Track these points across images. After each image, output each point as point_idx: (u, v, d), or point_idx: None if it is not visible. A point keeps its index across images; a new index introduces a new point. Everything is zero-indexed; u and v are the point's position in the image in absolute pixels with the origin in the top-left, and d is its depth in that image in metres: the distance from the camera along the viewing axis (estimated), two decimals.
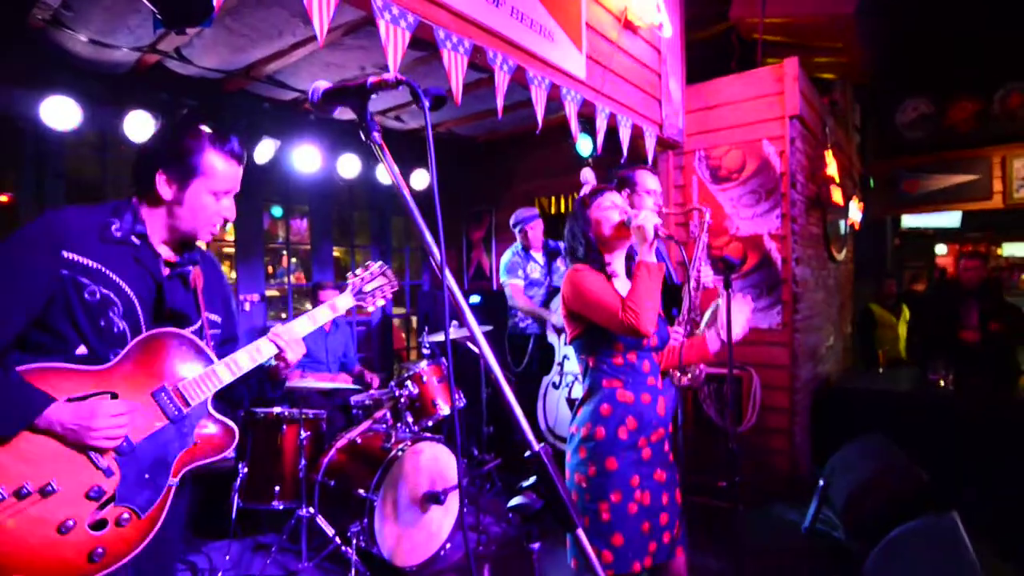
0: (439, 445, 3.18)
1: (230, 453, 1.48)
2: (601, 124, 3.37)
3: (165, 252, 1.44)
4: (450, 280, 0.90)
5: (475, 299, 5.08)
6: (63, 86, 3.05)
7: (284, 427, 3.14)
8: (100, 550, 1.24)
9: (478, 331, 0.91)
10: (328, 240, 5.27)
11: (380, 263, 1.77)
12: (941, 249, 9.58)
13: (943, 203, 7.12)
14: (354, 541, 2.85)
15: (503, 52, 2.69)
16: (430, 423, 3.43)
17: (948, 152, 6.90)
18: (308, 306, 5.21)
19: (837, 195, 4.84)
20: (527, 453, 0.87)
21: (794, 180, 4.08)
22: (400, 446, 3.00)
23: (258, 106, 3.93)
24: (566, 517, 0.86)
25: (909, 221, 8.65)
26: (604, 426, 1.81)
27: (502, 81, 2.69)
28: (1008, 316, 4.33)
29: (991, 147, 6.67)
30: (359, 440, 3.18)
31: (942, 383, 3.93)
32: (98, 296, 1.30)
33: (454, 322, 3.59)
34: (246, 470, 3.09)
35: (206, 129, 1.41)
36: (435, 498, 3.05)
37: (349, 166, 4.42)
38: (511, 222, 4.20)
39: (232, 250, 4.65)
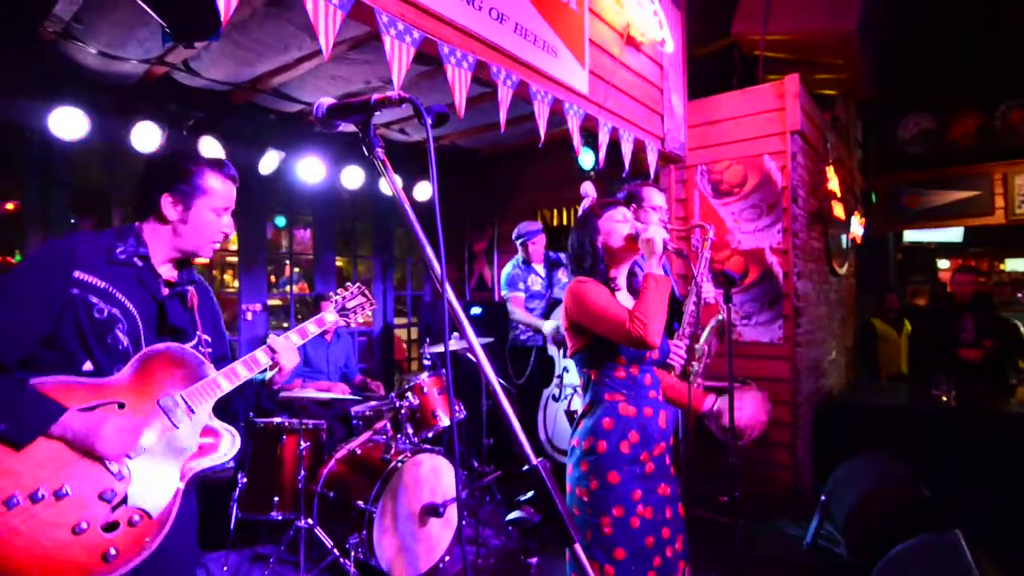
0: (439, 457, 3.18)
1: (231, 460, 1.54)
2: (603, 138, 3.39)
3: (165, 272, 1.54)
4: (449, 293, 0.91)
5: (476, 311, 5.09)
6: (71, 97, 3.09)
7: (284, 437, 3.14)
8: (113, 551, 1.29)
9: (476, 343, 0.92)
10: (331, 250, 5.29)
11: (359, 284, 1.91)
12: (943, 264, 9.57)
13: (945, 219, 7.13)
14: (353, 553, 2.84)
15: (506, 67, 2.72)
16: (430, 435, 3.43)
17: (950, 168, 6.92)
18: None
19: (839, 210, 4.85)
20: (525, 467, 0.88)
21: (795, 195, 4.10)
22: (400, 457, 2.99)
23: (264, 118, 3.97)
24: (563, 531, 0.86)
25: (911, 236, 8.65)
26: (606, 440, 1.80)
27: (505, 96, 2.71)
28: (1001, 330, 4.36)
29: (992, 163, 6.69)
30: (359, 451, 3.18)
31: (944, 398, 3.92)
32: (106, 314, 1.38)
33: (455, 334, 3.59)
34: (245, 480, 3.08)
35: (203, 155, 1.57)
36: (434, 510, 3.04)
37: (353, 178, 4.46)
38: (514, 235, 4.22)
39: (235, 259, 4.67)
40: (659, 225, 2.64)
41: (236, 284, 4.62)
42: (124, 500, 1.33)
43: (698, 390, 2.13)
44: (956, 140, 6.88)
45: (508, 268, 4.22)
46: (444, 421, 3.41)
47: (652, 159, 3.92)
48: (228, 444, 1.53)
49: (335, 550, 2.95)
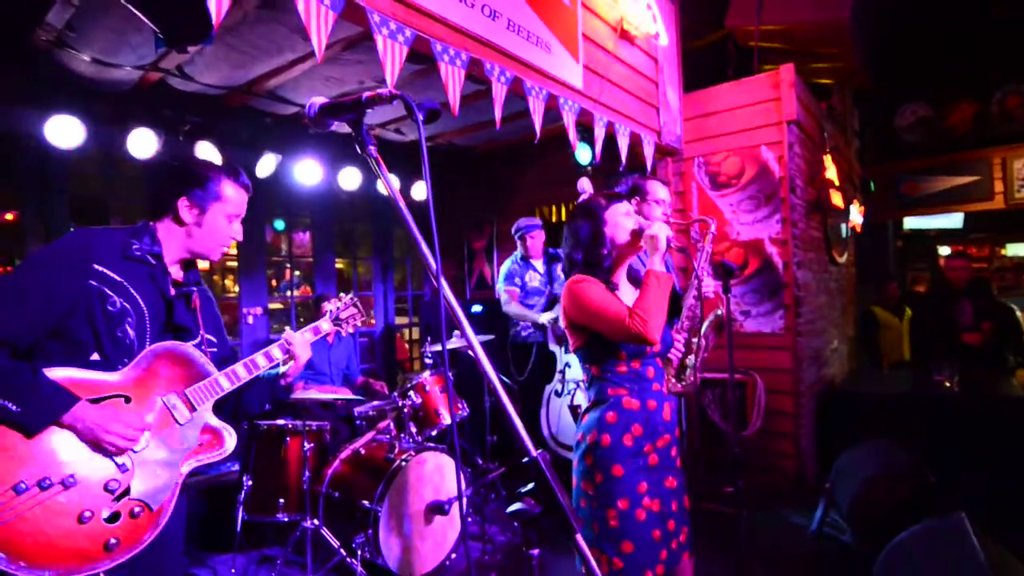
0: (443, 455, 3.18)
1: (231, 459, 1.64)
2: (599, 133, 3.39)
3: (174, 272, 1.60)
4: (446, 289, 0.92)
5: (477, 308, 5.09)
6: (66, 105, 3.09)
7: (288, 439, 3.14)
8: (114, 540, 1.33)
9: (473, 337, 0.92)
10: (331, 252, 5.29)
11: (351, 295, 2.02)
12: (944, 251, 9.55)
13: (944, 205, 7.13)
14: (359, 552, 2.85)
15: (500, 64, 2.72)
16: (433, 433, 3.43)
17: (948, 154, 6.92)
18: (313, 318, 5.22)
19: (837, 199, 4.85)
20: (525, 459, 0.88)
21: (793, 185, 4.09)
22: (404, 456, 3.00)
23: (260, 121, 3.97)
24: (565, 522, 0.86)
25: (911, 223, 8.64)
26: (609, 433, 1.80)
27: (500, 92, 2.71)
28: (999, 314, 4.37)
29: (991, 148, 6.68)
30: (363, 451, 3.18)
31: (947, 384, 3.92)
32: (118, 307, 1.43)
33: (455, 332, 3.60)
34: (250, 483, 3.09)
35: (219, 164, 1.66)
36: (439, 508, 3.05)
37: (350, 179, 4.46)
38: (513, 229, 4.23)
39: (235, 264, 4.68)
40: (663, 221, 2.65)
41: (236, 289, 4.62)
42: (127, 491, 1.38)
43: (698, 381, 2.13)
44: (953, 127, 6.87)
45: (507, 264, 4.23)
46: (447, 419, 3.41)
47: (649, 153, 3.92)
48: (226, 442, 1.59)
49: (342, 550, 2.96)
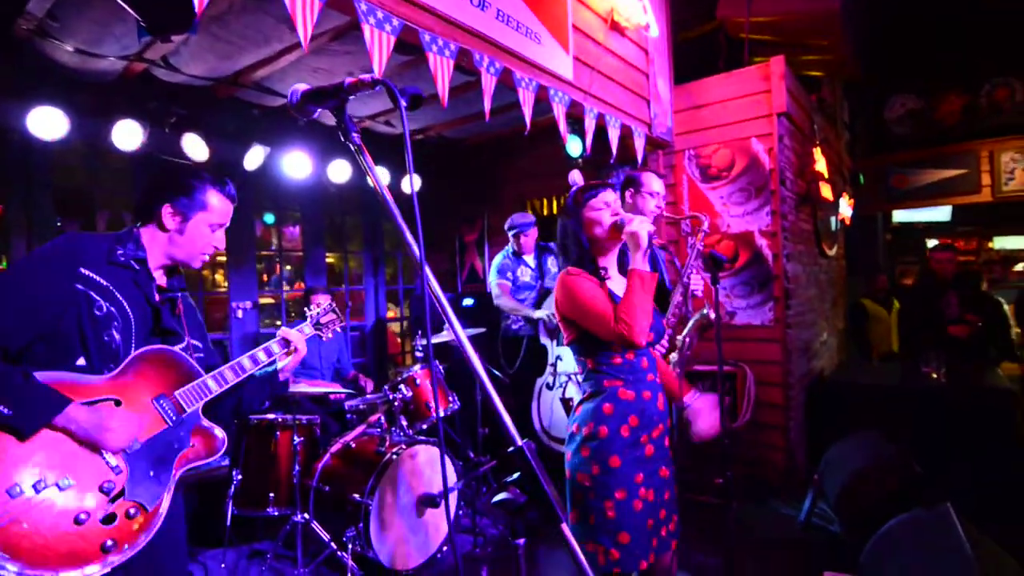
0: (434, 448, 3.18)
1: (222, 457, 1.62)
2: (590, 124, 3.38)
3: (157, 277, 1.61)
4: (430, 276, 0.91)
5: (468, 302, 5.08)
6: (49, 96, 3.04)
7: (278, 433, 3.13)
8: (110, 542, 1.34)
9: (460, 329, 0.91)
10: (321, 246, 5.26)
11: (330, 302, 2.07)
12: (933, 243, 9.63)
13: (933, 198, 7.18)
14: (350, 546, 2.84)
15: (489, 55, 2.70)
16: (425, 426, 3.43)
17: (936, 147, 6.96)
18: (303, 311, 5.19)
19: (827, 191, 4.87)
20: (510, 448, 0.88)
21: (783, 177, 4.10)
22: (395, 450, 2.99)
23: (247, 113, 3.93)
24: (550, 512, 0.86)
25: (900, 216, 8.70)
26: (607, 424, 1.80)
27: (489, 84, 2.69)
28: (986, 307, 4.40)
29: (979, 141, 6.72)
30: (353, 444, 3.17)
31: (935, 375, 3.96)
32: (104, 311, 1.44)
33: (445, 326, 3.59)
34: (240, 477, 3.08)
35: (207, 173, 1.66)
36: (431, 501, 3.04)
37: (339, 172, 4.42)
38: (506, 225, 4.21)
39: (224, 258, 4.64)
40: (653, 211, 2.64)
41: (226, 284, 4.59)
42: (122, 493, 1.38)
43: (684, 381, 2.14)
44: (942, 119, 6.91)
45: (498, 258, 4.22)
46: (439, 412, 3.41)
47: (639, 145, 3.91)
48: (217, 444, 1.61)
49: (332, 544, 2.95)
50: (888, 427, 3.41)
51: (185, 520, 1.67)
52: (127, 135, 3.29)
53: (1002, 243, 9.19)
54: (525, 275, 4.16)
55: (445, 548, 3.16)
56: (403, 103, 0.92)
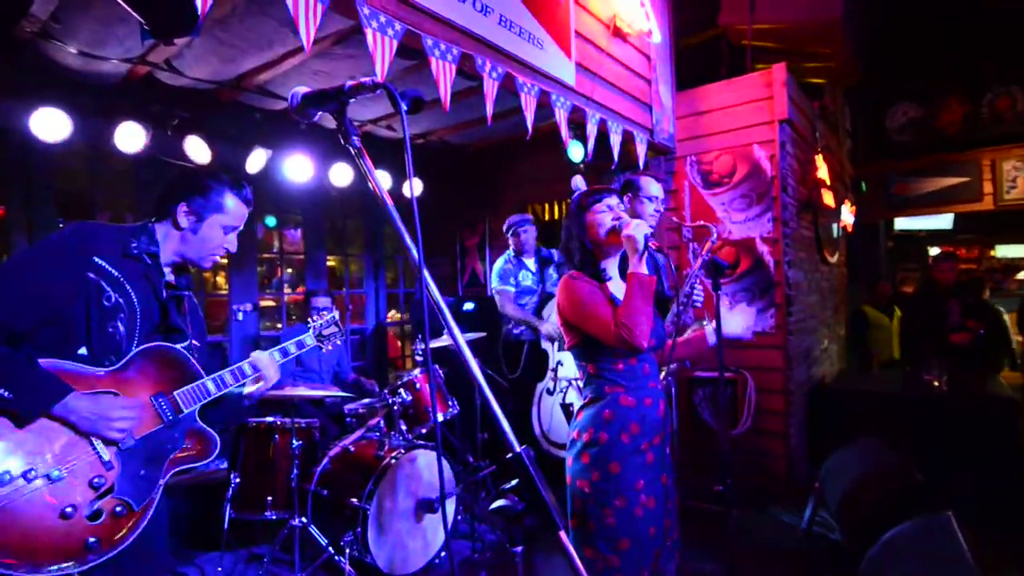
0: (433, 453, 3.17)
1: (216, 460, 1.62)
2: (592, 130, 3.38)
3: (166, 274, 1.62)
4: (428, 279, 0.90)
5: (469, 306, 5.07)
6: (52, 98, 3.04)
7: (276, 436, 3.12)
8: (93, 539, 1.32)
9: (458, 333, 0.91)
10: (322, 250, 5.26)
11: (334, 314, 2.07)
12: (934, 251, 9.62)
13: (934, 205, 7.17)
14: (348, 550, 2.83)
15: (492, 60, 2.71)
16: (424, 430, 3.42)
17: (938, 155, 6.95)
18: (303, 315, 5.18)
19: (828, 198, 4.87)
20: (508, 455, 0.87)
21: (785, 184, 4.10)
22: (394, 454, 2.98)
23: (249, 116, 3.93)
24: (548, 519, 0.85)
25: (902, 224, 8.69)
26: (607, 431, 1.80)
27: (491, 89, 2.70)
28: (987, 316, 4.40)
29: (980, 149, 6.72)
30: (352, 448, 3.16)
31: (936, 383, 3.94)
32: (112, 302, 1.43)
33: (444, 331, 3.58)
34: (238, 480, 3.06)
35: (226, 176, 1.67)
36: (429, 506, 3.03)
37: (341, 175, 4.42)
38: (504, 226, 4.21)
39: (225, 260, 4.64)
40: (652, 215, 2.63)
41: (227, 286, 4.58)
42: (111, 489, 1.37)
43: (698, 332, 2.14)
44: (943, 127, 6.91)
45: (500, 262, 4.21)
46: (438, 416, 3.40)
47: (641, 151, 3.91)
48: (212, 447, 1.60)
49: (330, 548, 2.94)
50: (890, 435, 3.39)
51: (167, 524, 1.65)
52: (129, 137, 3.30)
53: (1004, 251, 9.19)
54: (527, 279, 4.15)
55: (443, 554, 3.14)
56: (403, 106, 0.92)
